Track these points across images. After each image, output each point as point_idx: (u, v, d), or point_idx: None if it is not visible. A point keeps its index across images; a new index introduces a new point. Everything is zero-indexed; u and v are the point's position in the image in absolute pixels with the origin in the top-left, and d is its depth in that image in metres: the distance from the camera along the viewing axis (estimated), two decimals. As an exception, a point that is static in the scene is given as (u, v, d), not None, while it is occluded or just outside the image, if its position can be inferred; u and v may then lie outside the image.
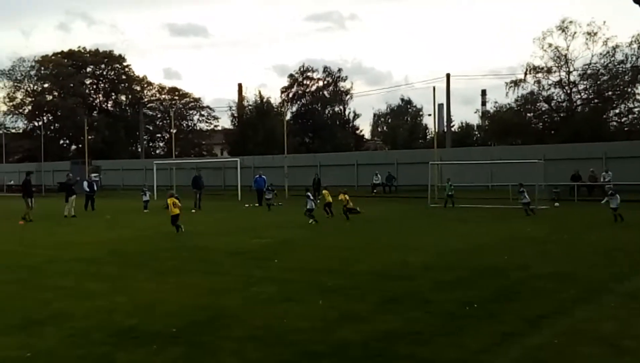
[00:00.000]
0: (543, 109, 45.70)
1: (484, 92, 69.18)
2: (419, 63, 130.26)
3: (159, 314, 7.15)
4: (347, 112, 66.89)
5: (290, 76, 67.14)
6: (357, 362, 5.54)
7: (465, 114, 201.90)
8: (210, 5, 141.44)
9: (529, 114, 46.05)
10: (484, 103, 66.70)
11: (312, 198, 19.60)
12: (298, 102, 66.28)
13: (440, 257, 11.53)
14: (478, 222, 18.88)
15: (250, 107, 59.21)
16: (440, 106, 55.81)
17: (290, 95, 66.35)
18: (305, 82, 66.53)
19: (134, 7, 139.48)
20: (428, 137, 66.38)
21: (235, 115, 60.17)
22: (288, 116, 57.67)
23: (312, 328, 6.47)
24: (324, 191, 22.44)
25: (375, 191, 37.17)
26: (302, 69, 66.30)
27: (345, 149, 52.77)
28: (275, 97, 63.68)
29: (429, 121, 75.72)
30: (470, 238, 14.76)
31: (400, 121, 75.98)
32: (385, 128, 78.76)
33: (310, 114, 64.07)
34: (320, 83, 66.54)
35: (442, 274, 9.65)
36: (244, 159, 42.17)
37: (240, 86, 65.74)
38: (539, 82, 43.86)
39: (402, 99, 78.88)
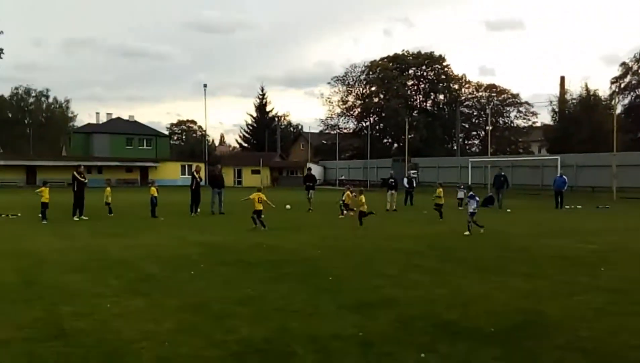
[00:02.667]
0: None
1: None
2: None
3: (478, 311, 7.20)
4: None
5: (623, 64, 60.28)
6: None
7: None
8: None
9: None
10: None
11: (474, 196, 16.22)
12: (631, 93, 59.10)
13: None
14: None
15: (573, 101, 55.12)
16: None
17: (622, 86, 59.54)
18: (641, 70, 58.98)
19: (451, 6, 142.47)
20: None
21: (557, 110, 56.71)
22: (618, 110, 51.92)
23: (651, 349, 5.74)
24: (346, 193, 20.97)
25: None
26: (637, 57, 58.88)
27: (691, 146, 45.14)
28: (603, 90, 57.96)
29: None
30: None
31: None
32: None
33: (646, 107, 56.54)
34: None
35: None
36: (564, 157, 39.48)
37: (562, 79, 61.75)
38: None
39: None
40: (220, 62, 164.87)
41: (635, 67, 59.30)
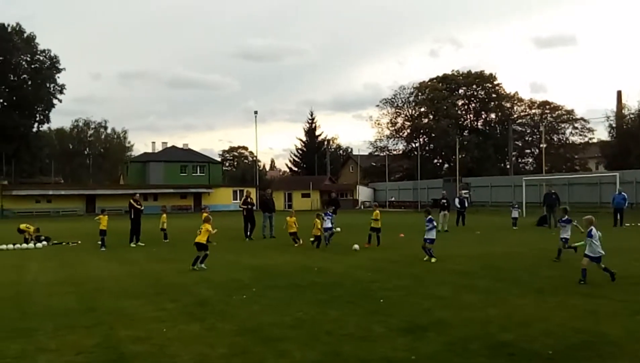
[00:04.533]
0: None
1: None
2: None
3: (534, 333, 7.02)
4: None
5: (682, 76, 58.14)
6: None
7: None
8: (578, 12, 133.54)
9: None
10: None
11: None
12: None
13: None
14: None
15: (632, 116, 53.41)
16: None
17: (683, 98, 57.36)
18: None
19: (499, 24, 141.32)
20: None
21: (614, 125, 55.02)
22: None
23: None
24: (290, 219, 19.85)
25: None
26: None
27: None
28: (662, 102, 55.92)
29: None
30: None
31: None
32: None
33: None
34: None
35: None
36: (623, 173, 38.12)
37: (619, 93, 59.87)
38: None
39: None
40: (269, 89, 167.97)
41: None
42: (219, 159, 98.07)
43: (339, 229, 19.54)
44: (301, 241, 18.96)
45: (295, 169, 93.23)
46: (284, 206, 65.58)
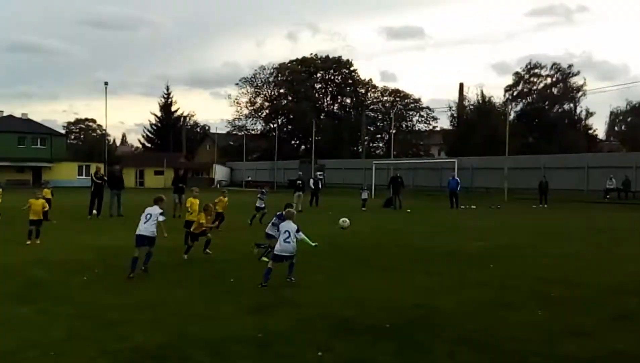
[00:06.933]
0: None
1: None
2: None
3: (374, 308, 7.40)
4: (578, 111, 61.83)
5: (516, 73, 64.39)
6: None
7: None
8: (426, 6, 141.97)
9: None
10: None
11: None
12: (523, 101, 63.14)
13: (689, 275, 10.05)
14: None
15: (471, 107, 58.00)
16: (694, 101, 48.56)
17: (515, 94, 63.45)
18: (532, 79, 63.11)
19: (354, 14, 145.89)
20: (678, 138, 58.15)
21: (455, 115, 59.42)
22: (511, 116, 55.21)
23: (531, 339, 6.14)
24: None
25: (608, 196, 33.78)
26: (528, 67, 63.02)
27: (575, 151, 48.54)
28: (498, 96, 61.49)
29: (680, 120, 66.45)
30: None
31: (643, 119, 67.76)
32: (623, 128, 71.03)
33: (536, 114, 60.49)
34: (549, 80, 62.47)
35: (691, 294, 8.41)
36: (462, 159, 41.42)
37: (461, 85, 64.62)
38: None
39: (646, 95, 70.35)
40: (120, 60, 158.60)
41: (526, 77, 63.31)
42: (63, 131, 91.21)
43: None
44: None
45: (149, 145, 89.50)
46: (135, 184, 62.87)
